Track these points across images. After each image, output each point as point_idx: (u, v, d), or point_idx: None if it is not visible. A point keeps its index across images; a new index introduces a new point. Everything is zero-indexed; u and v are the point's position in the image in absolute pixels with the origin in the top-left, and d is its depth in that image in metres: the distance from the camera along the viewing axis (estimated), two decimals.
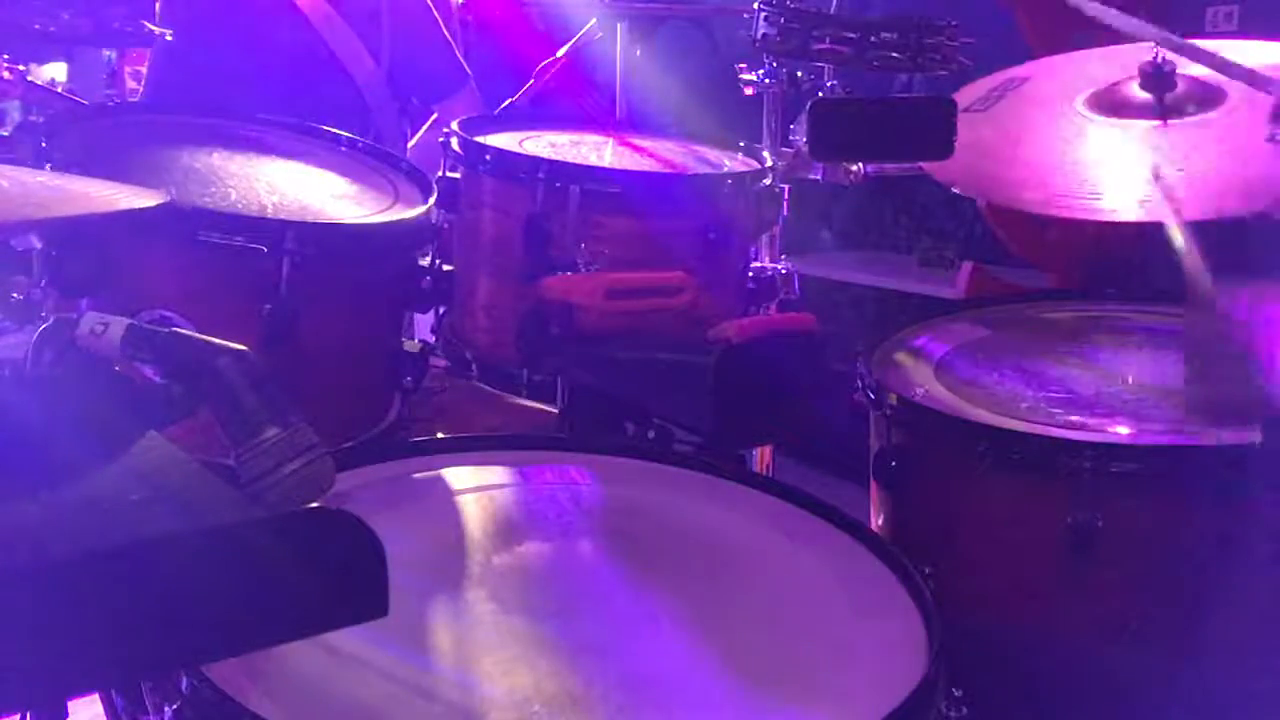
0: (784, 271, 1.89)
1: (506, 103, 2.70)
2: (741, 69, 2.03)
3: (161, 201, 1.08)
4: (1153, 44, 1.86)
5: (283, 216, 1.52)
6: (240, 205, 1.52)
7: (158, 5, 2.61)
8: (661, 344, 1.54)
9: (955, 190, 1.93)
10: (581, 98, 2.74)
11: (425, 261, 1.70)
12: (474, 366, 1.90)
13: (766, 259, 1.94)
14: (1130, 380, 1.61)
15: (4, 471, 0.77)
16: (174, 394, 0.97)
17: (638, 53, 2.52)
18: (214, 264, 1.45)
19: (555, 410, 1.92)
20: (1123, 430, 1.46)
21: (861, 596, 1.17)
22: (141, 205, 1.05)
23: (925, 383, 1.63)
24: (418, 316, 2.02)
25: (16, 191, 0.98)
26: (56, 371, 1.01)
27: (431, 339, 1.83)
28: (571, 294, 1.58)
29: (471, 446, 1.44)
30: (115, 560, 0.63)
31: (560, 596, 1.13)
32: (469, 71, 2.81)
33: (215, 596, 0.66)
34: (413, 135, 2.77)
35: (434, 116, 2.71)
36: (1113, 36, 1.66)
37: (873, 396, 1.60)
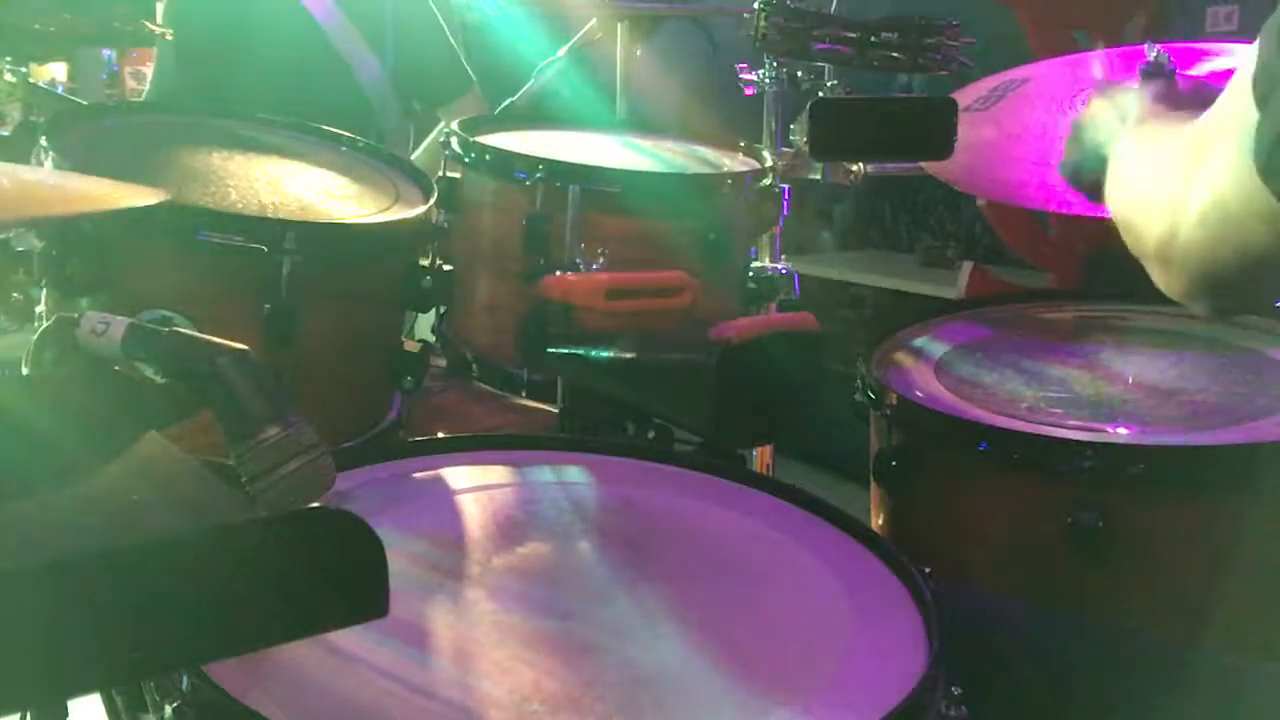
0: (784, 271, 1.89)
1: (507, 102, 2.70)
2: (741, 69, 2.03)
3: (162, 200, 1.08)
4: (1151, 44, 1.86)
5: (283, 216, 1.52)
6: (240, 205, 1.52)
7: (162, 3, 2.62)
8: (661, 344, 1.54)
9: (957, 188, 1.93)
10: (581, 98, 2.74)
11: (425, 261, 1.70)
12: (474, 366, 1.90)
13: (766, 259, 1.94)
14: (1130, 380, 1.61)
15: (4, 471, 0.77)
16: (174, 394, 0.97)
17: (638, 53, 2.52)
18: (214, 264, 1.45)
19: (555, 410, 1.92)
20: (1123, 430, 1.46)
21: (861, 596, 1.17)
22: (142, 204, 1.05)
23: (925, 383, 1.63)
24: (418, 316, 2.02)
25: (16, 191, 0.98)
26: (57, 371, 1.01)
27: (431, 339, 1.83)
28: (571, 294, 1.58)
29: (471, 446, 1.44)
30: (115, 560, 0.63)
31: (560, 596, 1.13)
32: (474, 77, 2.81)
33: (215, 596, 0.66)
34: (419, 141, 2.77)
35: (441, 124, 2.71)
36: (1114, 37, 1.66)
37: (873, 396, 1.60)
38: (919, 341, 1.79)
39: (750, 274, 1.83)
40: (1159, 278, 1.02)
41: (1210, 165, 0.93)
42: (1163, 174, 1.02)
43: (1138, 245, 1.06)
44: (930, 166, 1.87)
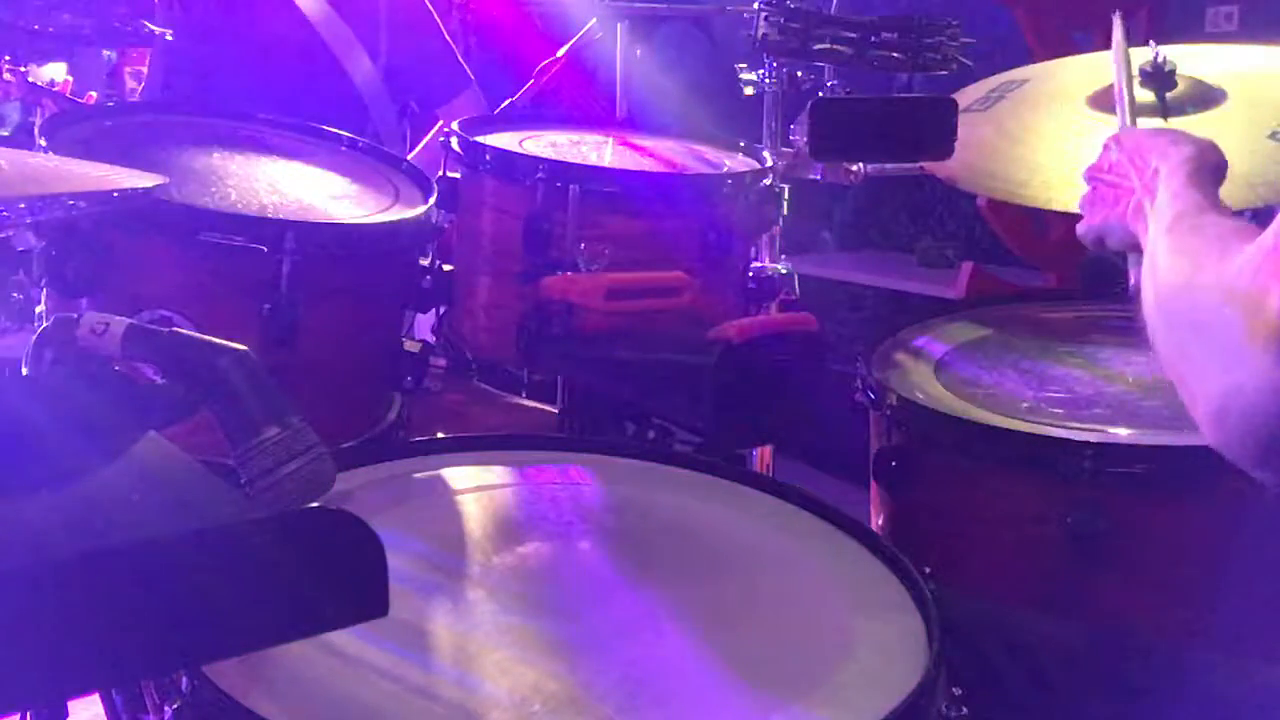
0: (784, 271, 1.89)
1: (506, 103, 2.70)
2: (741, 69, 2.03)
3: (160, 183, 1.08)
4: (1151, 45, 1.86)
5: (283, 216, 1.52)
6: (240, 205, 1.52)
7: (157, 4, 2.62)
8: (661, 344, 1.54)
9: (957, 188, 1.93)
10: (581, 98, 2.74)
11: (425, 261, 1.70)
12: (474, 366, 1.90)
13: (766, 259, 1.94)
14: (1130, 380, 1.61)
15: (4, 471, 0.77)
16: (174, 394, 0.97)
17: (638, 53, 2.52)
18: (214, 264, 1.45)
19: (555, 410, 1.92)
20: (1123, 430, 1.46)
21: (861, 596, 1.17)
22: (140, 185, 1.05)
23: (925, 383, 1.63)
24: (418, 316, 2.02)
25: (14, 172, 0.98)
26: (56, 371, 1.01)
27: (431, 339, 1.83)
28: (571, 294, 1.58)
29: (471, 446, 1.44)
30: (115, 560, 0.63)
31: (560, 596, 1.13)
32: (472, 76, 2.80)
33: (215, 596, 0.65)
34: (416, 141, 2.76)
35: (439, 124, 2.70)
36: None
37: (873, 396, 1.60)
38: (919, 341, 1.79)
39: (750, 274, 1.83)
40: (1213, 437, 0.92)
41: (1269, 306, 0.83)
42: (1213, 320, 0.91)
43: (1187, 398, 0.96)
44: (930, 166, 1.87)
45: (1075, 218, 1.50)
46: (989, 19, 3.69)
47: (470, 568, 1.16)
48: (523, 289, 1.63)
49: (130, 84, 4.42)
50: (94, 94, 3.38)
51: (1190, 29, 3.66)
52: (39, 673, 0.61)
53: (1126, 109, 1.51)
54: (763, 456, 2.14)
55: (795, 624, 1.13)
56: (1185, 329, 0.98)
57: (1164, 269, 1.06)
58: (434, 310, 1.77)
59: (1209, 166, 1.20)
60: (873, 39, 1.81)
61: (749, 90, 2.02)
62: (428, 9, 2.76)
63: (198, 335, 1.03)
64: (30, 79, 3.19)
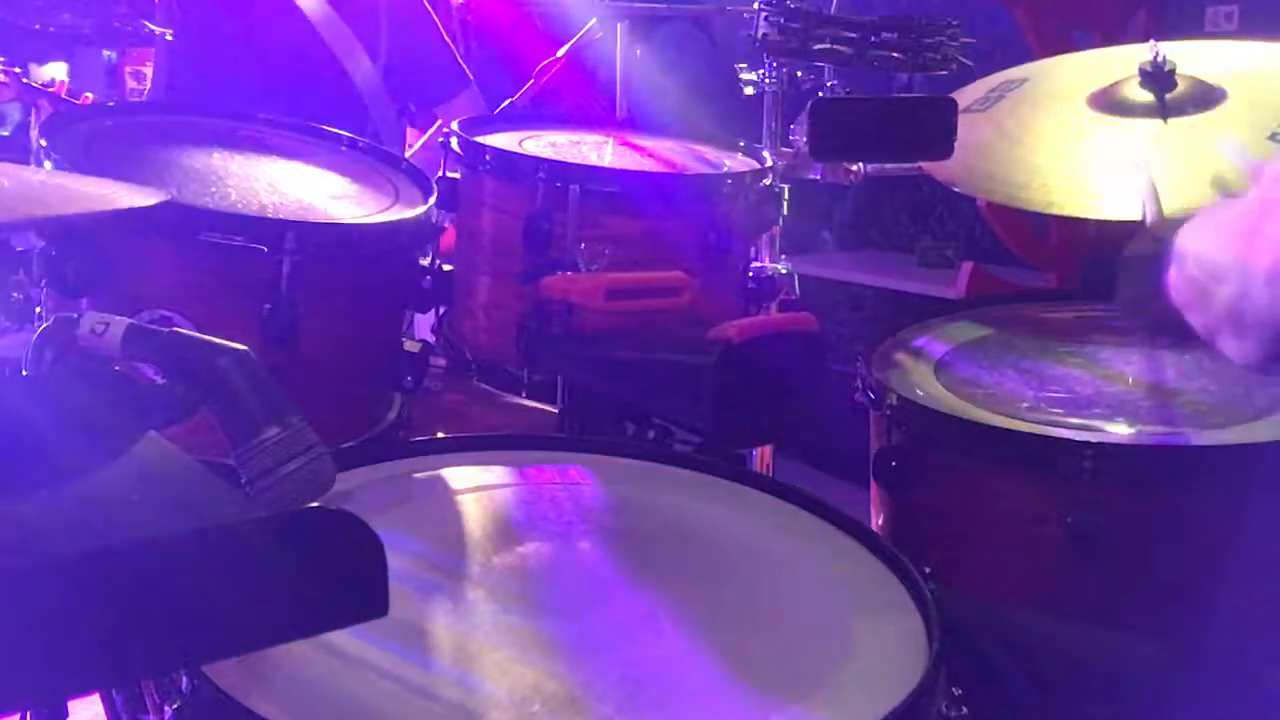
0: (784, 271, 1.89)
1: (506, 103, 2.70)
2: (741, 69, 2.03)
3: (162, 200, 1.08)
4: (1152, 44, 1.86)
5: (283, 216, 1.52)
6: (240, 205, 1.52)
7: (157, 4, 2.62)
8: (661, 344, 1.54)
9: (956, 189, 1.93)
10: (581, 98, 2.74)
11: (425, 261, 1.70)
12: (474, 366, 1.90)
13: (766, 259, 1.94)
14: (1130, 380, 1.61)
15: (4, 471, 0.77)
16: (174, 394, 0.97)
17: (638, 53, 2.52)
18: (214, 264, 1.45)
19: (555, 410, 1.92)
20: (1123, 430, 1.46)
21: (861, 596, 1.17)
22: (142, 204, 1.05)
23: (925, 383, 1.63)
24: (418, 316, 2.02)
25: (17, 190, 0.98)
26: (56, 371, 1.01)
27: (431, 339, 1.83)
28: (571, 294, 1.58)
29: (471, 446, 1.44)
30: (115, 560, 0.63)
31: (560, 596, 1.13)
32: (470, 76, 2.81)
33: (215, 596, 0.65)
34: (415, 140, 2.77)
35: (438, 123, 2.70)
36: (1111, 37, 1.66)
37: (873, 396, 1.60)
38: (919, 341, 1.79)
39: (750, 274, 1.83)
40: (1231, 345, 1.00)
41: (1273, 226, 0.94)
42: (1228, 240, 1.01)
43: (1208, 312, 1.03)
44: (929, 168, 1.87)
45: (1075, 219, 1.50)
46: (989, 19, 3.69)
47: (470, 568, 1.16)
48: (523, 289, 1.64)
49: (130, 84, 4.43)
50: (90, 95, 3.38)
51: (1190, 28, 3.66)
52: (39, 673, 0.61)
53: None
54: (763, 456, 2.14)
55: (795, 624, 1.13)
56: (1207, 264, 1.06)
57: (1192, 231, 1.12)
58: (434, 310, 1.77)
59: None
60: (873, 39, 1.81)
61: (749, 90, 2.03)
62: (427, 9, 2.76)
63: (198, 335, 1.03)
64: (26, 79, 3.19)
